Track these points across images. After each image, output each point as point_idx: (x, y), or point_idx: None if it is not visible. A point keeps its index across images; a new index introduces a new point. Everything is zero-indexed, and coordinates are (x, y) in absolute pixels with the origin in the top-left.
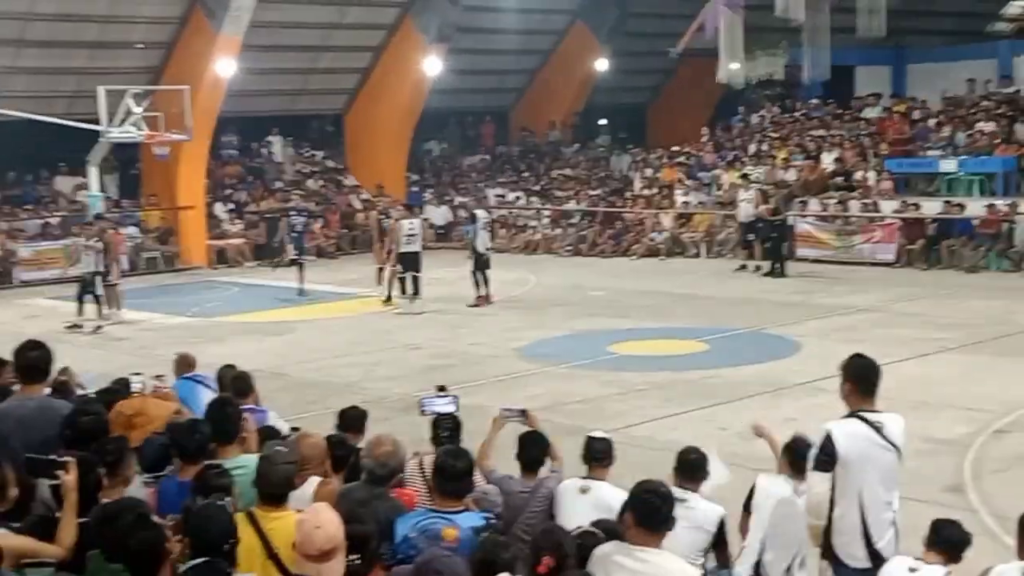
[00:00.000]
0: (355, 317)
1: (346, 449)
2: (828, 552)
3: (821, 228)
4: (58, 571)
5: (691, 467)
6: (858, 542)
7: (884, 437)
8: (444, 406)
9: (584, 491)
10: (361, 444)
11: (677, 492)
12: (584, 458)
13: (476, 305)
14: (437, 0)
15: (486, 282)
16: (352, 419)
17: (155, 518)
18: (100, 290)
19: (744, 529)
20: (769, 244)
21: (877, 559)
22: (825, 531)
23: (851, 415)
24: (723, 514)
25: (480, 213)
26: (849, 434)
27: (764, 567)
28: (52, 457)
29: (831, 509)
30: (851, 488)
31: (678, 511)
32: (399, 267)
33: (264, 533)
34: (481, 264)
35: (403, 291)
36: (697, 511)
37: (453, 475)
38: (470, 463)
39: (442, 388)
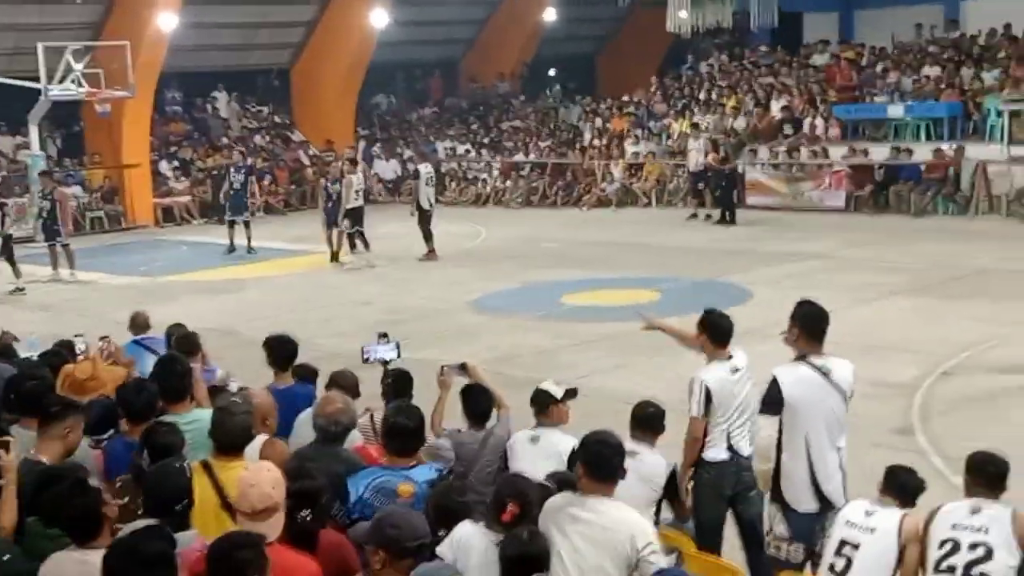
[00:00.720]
0: (305, 274)
1: (291, 344)
2: (777, 496)
3: (771, 176)
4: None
5: (647, 420)
6: (806, 487)
7: (830, 381)
8: (386, 352)
9: (534, 440)
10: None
11: (629, 445)
12: (533, 407)
13: (427, 259)
14: None
15: (430, 237)
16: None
17: (93, 481)
18: None
19: (697, 430)
20: (719, 193)
21: (825, 503)
22: (774, 475)
23: (797, 359)
24: (672, 467)
25: (423, 168)
26: (795, 379)
27: (735, 447)
28: None
29: (779, 453)
30: (798, 433)
31: (628, 464)
32: (347, 223)
33: (219, 483)
34: (425, 219)
35: (352, 246)
36: (646, 464)
37: (404, 433)
38: (420, 419)
39: (383, 335)
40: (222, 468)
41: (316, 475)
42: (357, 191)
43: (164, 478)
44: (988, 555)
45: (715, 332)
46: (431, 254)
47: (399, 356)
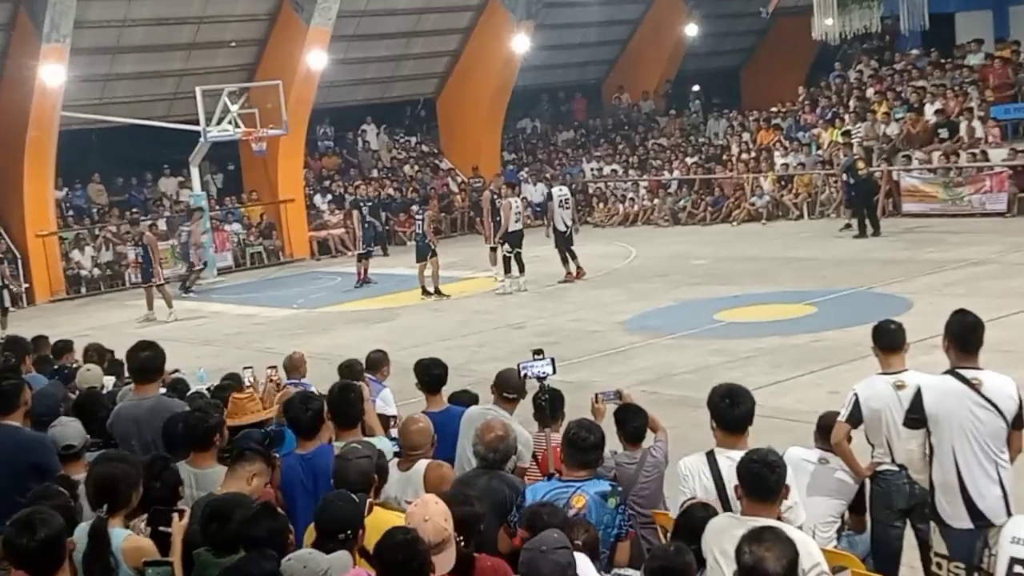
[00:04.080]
0: (457, 300)
1: (441, 368)
2: (933, 511)
3: (927, 181)
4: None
5: (831, 430)
6: (958, 502)
7: (982, 395)
8: (542, 368)
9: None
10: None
11: (819, 453)
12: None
13: (566, 281)
14: None
15: (573, 257)
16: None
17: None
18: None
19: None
20: (855, 202)
21: (980, 519)
22: (930, 490)
23: (946, 372)
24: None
25: (556, 191)
26: (939, 391)
27: (896, 457)
28: (175, 509)
29: (930, 467)
30: (945, 446)
31: (817, 470)
32: (507, 246)
33: None
34: (564, 241)
35: (507, 270)
36: (837, 474)
37: (584, 447)
38: (601, 436)
39: (538, 351)
40: None
41: (475, 502)
42: (516, 214)
43: (331, 507)
44: None
45: (881, 339)
46: (570, 276)
47: (554, 372)
